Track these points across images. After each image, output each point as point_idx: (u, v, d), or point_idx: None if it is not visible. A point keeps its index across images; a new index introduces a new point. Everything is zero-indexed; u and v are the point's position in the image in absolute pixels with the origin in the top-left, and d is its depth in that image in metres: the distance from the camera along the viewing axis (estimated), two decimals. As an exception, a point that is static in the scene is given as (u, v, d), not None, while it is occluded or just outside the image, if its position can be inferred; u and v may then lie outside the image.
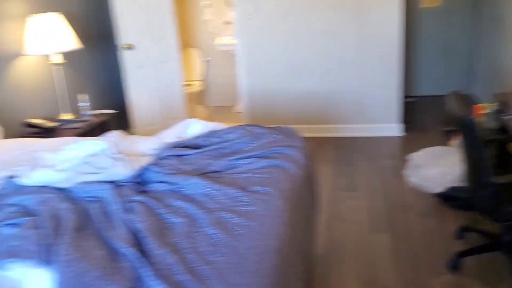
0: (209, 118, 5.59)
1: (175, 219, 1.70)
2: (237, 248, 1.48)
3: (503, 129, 2.72)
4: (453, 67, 5.63)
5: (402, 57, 4.35)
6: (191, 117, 5.24)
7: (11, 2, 3.39)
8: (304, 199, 2.14)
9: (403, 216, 3.02)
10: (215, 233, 1.57)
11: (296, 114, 4.62)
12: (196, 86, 5.58)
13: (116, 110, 4.04)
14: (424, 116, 5.02)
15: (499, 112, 2.99)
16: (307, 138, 4.47)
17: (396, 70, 4.31)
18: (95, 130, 3.58)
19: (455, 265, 2.48)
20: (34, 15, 3.38)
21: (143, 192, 2.00)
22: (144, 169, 2.13)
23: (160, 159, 2.24)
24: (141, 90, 4.45)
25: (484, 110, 3.65)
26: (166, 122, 4.68)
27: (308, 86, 4.52)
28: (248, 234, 1.55)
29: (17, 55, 3.42)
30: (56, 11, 3.69)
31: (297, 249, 1.78)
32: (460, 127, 2.22)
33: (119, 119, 4.79)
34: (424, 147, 4.03)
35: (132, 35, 4.28)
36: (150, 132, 4.51)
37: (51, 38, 3.34)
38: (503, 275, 2.42)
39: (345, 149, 4.25)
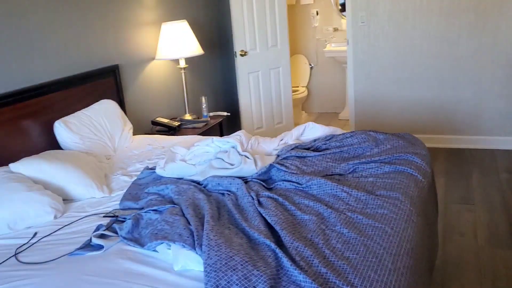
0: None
1: (306, 216, 1.78)
2: (371, 248, 1.52)
3: None
4: None
5: (526, 66, 4.09)
6: (295, 123, 5.38)
7: (148, 10, 3.73)
8: (429, 207, 2.12)
9: (527, 233, 2.85)
10: (348, 232, 1.63)
11: (406, 123, 4.53)
12: (302, 92, 5.68)
13: (229, 113, 4.26)
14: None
15: None
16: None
17: (518, 79, 4.07)
18: (212, 130, 3.81)
19: None
20: (166, 22, 3.69)
21: (270, 189, 2.11)
22: (270, 168, 2.25)
23: (282, 159, 2.34)
24: (251, 94, 4.64)
25: None
26: (274, 126, 4.84)
27: (420, 94, 4.41)
28: (381, 235, 1.58)
29: (150, 59, 3.76)
30: (183, 19, 4.00)
31: (425, 255, 1.78)
32: None
33: (231, 121, 5.04)
34: (549, 163, 3.76)
35: (246, 41, 4.48)
36: (259, 134, 4.69)
37: (179, 44, 3.62)
38: None
39: (458, 160, 4.09)
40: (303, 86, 5.92)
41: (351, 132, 2.58)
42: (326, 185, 2.00)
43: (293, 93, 5.44)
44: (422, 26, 4.25)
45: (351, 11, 4.47)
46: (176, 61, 4.01)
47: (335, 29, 5.71)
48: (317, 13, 5.72)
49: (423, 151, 2.37)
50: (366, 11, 4.41)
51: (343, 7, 5.52)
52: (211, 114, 4.06)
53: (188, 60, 4.09)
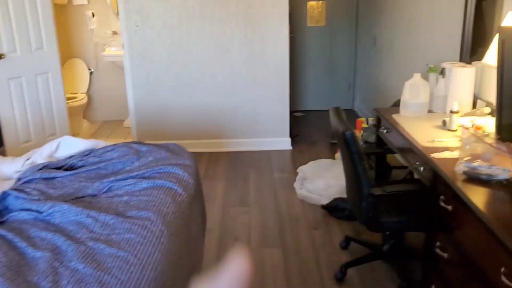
0: (95, 134, 5.27)
1: (38, 253, 1.50)
2: (107, 284, 1.33)
3: (381, 142, 2.87)
4: (337, 83, 5.93)
5: (289, 74, 4.45)
6: (75, 133, 4.91)
7: None
8: (192, 221, 2.03)
9: (293, 230, 3.04)
10: (84, 268, 1.40)
11: (188, 129, 4.51)
12: (81, 99, 5.22)
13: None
14: (311, 129, 5.19)
15: (376, 126, 3.15)
16: (199, 154, 4.46)
17: (284, 85, 4.40)
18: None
19: (341, 277, 2.53)
20: None
21: (1, 223, 1.75)
22: (4, 196, 1.87)
23: (24, 183, 1.99)
24: (13, 103, 4.03)
25: (364, 124, 3.86)
26: (46, 139, 4.30)
27: (199, 100, 4.44)
28: (122, 266, 1.40)
29: None
30: None
31: (182, 273, 1.67)
32: (340, 141, 2.27)
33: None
34: (311, 159, 4.16)
35: (3, 42, 3.87)
36: (27, 150, 4.10)
37: None
38: (384, 282, 2.52)
39: (238, 163, 4.23)
40: (82, 93, 5.45)
41: (113, 145, 2.36)
42: (70, 211, 1.73)
43: (70, 101, 4.96)
44: (196, 33, 4.27)
45: (124, 14, 4.24)
46: None
47: (114, 32, 5.40)
48: (93, 15, 5.33)
49: (187, 161, 2.29)
50: (140, 15, 4.24)
51: (120, 10, 5.24)
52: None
53: None
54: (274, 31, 4.27)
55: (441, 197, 1.92)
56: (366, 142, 3.38)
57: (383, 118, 2.76)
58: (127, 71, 4.39)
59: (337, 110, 2.45)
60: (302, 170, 3.52)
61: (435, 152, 2.10)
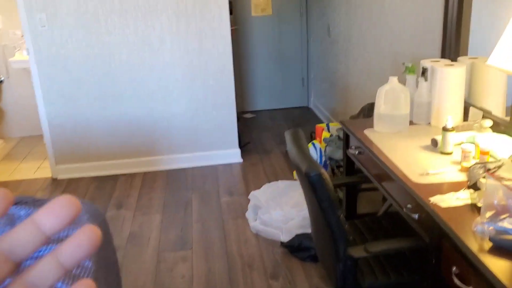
0: (10, 154, 4.41)
1: None
2: None
3: (350, 163, 2.27)
4: (290, 79, 5.31)
5: (233, 73, 3.78)
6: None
7: None
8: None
9: (246, 279, 2.40)
10: None
11: (116, 147, 3.76)
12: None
13: None
14: (264, 134, 4.56)
15: (341, 140, 2.55)
16: (132, 175, 3.74)
17: (228, 86, 3.73)
18: None
19: None
20: None
21: None
22: None
23: None
24: None
25: (325, 132, 3.25)
26: None
27: (128, 111, 3.69)
28: None
29: None
30: None
31: None
32: (303, 182, 1.64)
33: None
34: (266, 175, 3.53)
35: None
36: None
37: None
38: None
39: (178, 185, 3.53)
40: (-10, 107, 4.56)
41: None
42: None
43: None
44: (118, 31, 3.51)
45: (25, 12, 3.42)
46: None
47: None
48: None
49: (82, 220, 1.58)
50: (46, 12, 3.42)
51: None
52: None
53: None
54: (213, 24, 3.58)
55: (454, 269, 1.32)
56: (330, 158, 2.77)
57: (353, 135, 2.15)
58: (35, 82, 3.58)
59: (295, 135, 1.82)
60: (255, 196, 2.88)
61: (435, 192, 1.51)
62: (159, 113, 3.71)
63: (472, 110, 2.06)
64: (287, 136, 1.86)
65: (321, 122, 4.79)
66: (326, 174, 1.53)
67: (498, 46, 1.58)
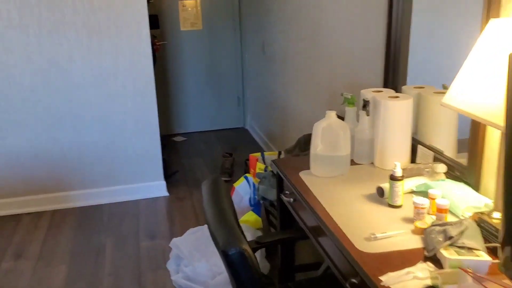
0: None
1: None
2: None
3: (284, 208, 1.93)
4: (224, 97, 4.95)
5: (155, 93, 3.37)
6: None
7: None
8: None
9: None
10: None
11: (19, 182, 3.22)
12: None
13: None
14: (195, 160, 4.16)
15: (274, 178, 2.21)
16: (38, 214, 3.20)
17: (150, 109, 3.30)
18: None
19: None
20: None
21: None
22: None
23: None
24: None
25: (260, 163, 2.92)
26: None
27: (31, 141, 3.17)
28: None
29: None
30: None
31: None
32: (222, 258, 1.27)
33: None
34: (194, 212, 3.13)
35: None
36: None
37: None
38: None
39: (91, 227, 3.05)
40: None
41: None
42: None
43: None
44: (18, 49, 3.00)
45: None
46: None
47: None
48: None
49: None
50: None
51: None
52: None
53: None
54: (131, 40, 3.15)
55: None
56: (263, 198, 2.42)
57: (286, 179, 1.81)
58: None
59: (213, 188, 1.44)
60: (177, 245, 2.46)
61: (385, 267, 1.19)
62: (69, 142, 3.22)
63: (420, 149, 1.78)
64: (204, 188, 1.48)
65: (257, 145, 4.46)
66: (249, 250, 1.17)
67: (455, 83, 1.29)
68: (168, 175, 3.67)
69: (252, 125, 4.84)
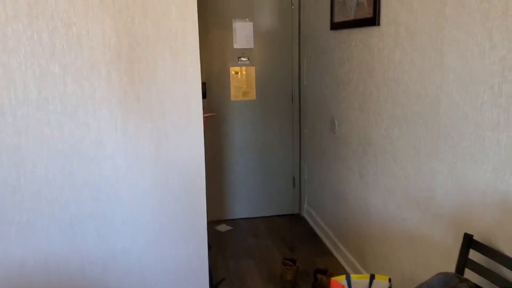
0: None
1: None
2: None
3: None
4: (277, 178, 4.19)
5: (204, 188, 2.62)
6: None
7: None
8: None
9: None
10: None
11: (22, 300, 2.46)
12: None
13: None
14: (244, 262, 3.34)
15: None
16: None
17: (198, 207, 2.55)
18: None
19: None
20: None
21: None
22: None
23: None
24: None
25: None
26: None
27: (41, 249, 2.43)
28: None
29: None
30: None
31: None
32: None
33: None
34: None
35: None
36: None
37: None
38: None
39: None
40: None
41: None
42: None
43: None
44: (33, 130, 2.33)
45: None
46: None
47: None
48: None
49: None
50: None
51: None
52: None
53: None
54: (180, 121, 2.45)
55: None
56: None
57: None
58: None
59: None
60: None
61: None
62: (91, 250, 2.47)
63: None
64: None
65: (320, 241, 3.62)
66: None
67: None
68: (214, 286, 2.86)
69: (310, 213, 4.02)
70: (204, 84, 3.86)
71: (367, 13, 2.69)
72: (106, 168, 2.40)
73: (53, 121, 2.33)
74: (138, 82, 2.36)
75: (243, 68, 3.93)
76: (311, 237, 3.73)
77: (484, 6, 1.75)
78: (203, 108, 3.64)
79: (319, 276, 2.83)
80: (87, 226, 2.44)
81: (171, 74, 2.38)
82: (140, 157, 2.43)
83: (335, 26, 3.19)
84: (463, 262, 1.84)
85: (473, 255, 1.85)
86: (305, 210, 4.17)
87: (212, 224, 4.01)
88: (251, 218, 4.15)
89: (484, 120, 1.78)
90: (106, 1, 2.27)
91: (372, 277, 2.31)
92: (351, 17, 2.92)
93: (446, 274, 1.73)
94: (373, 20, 2.60)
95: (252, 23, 3.89)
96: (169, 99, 2.41)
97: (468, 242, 1.83)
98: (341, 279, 2.29)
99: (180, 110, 2.44)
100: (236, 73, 3.94)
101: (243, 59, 3.91)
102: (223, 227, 3.98)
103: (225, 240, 3.73)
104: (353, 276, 2.31)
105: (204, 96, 3.87)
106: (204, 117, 3.53)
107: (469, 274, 1.89)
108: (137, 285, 2.55)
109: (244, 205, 4.15)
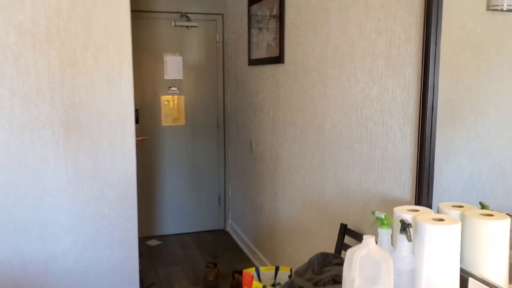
0: None
1: None
2: None
3: None
4: (203, 197, 4.62)
5: (136, 198, 3.01)
6: None
7: None
8: None
9: None
10: None
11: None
12: None
13: None
14: (172, 269, 3.72)
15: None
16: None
17: (130, 216, 2.93)
18: None
19: None
20: None
21: None
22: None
23: None
24: None
25: (256, 282, 2.54)
26: None
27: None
28: None
29: None
30: None
31: None
32: None
33: None
34: None
35: None
36: None
37: None
38: None
39: None
40: None
41: None
42: None
43: None
44: (-19, 144, 2.64)
45: None
46: None
47: None
48: None
49: None
50: None
51: None
52: None
53: None
54: (114, 140, 2.85)
55: None
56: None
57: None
58: None
59: None
60: None
61: None
62: (32, 253, 2.77)
63: (472, 282, 1.49)
64: None
65: (242, 252, 4.07)
66: None
67: None
68: (144, 289, 3.21)
69: (233, 228, 4.48)
70: (137, 111, 4.26)
71: (275, 52, 3.28)
72: (49, 181, 2.75)
73: (0, 139, 2.65)
74: (79, 105, 2.76)
75: (174, 96, 4.39)
76: (233, 248, 4.18)
77: (351, 50, 2.36)
78: (136, 132, 4.04)
79: (236, 275, 3.27)
80: (30, 231, 2.75)
81: (107, 99, 2.80)
82: (79, 171, 2.80)
83: (252, 62, 3.76)
84: (340, 245, 2.37)
85: (348, 240, 2.39)
86: (229, 225, 4.62)
87: (143, 239, 4.34)
88: (179, 233, 4.53)
89: (353, 135, 2.36)
90: (52, 35, 2.67)
91: (277, 269, 2.80)
92: (264, 55, 3.49)
93: (325, 253, 2.25)
94: (279, 59, 3.18)
95: (181, 57, 4.39)
96: (105, 120, 2.82)
97: (344, 230, 2.37)
98: (251, 271, 2.75)
99: (116, 130, 2.85)
100: (168, 101, 4.39)
101: (173, 88, 4.38)
102: (153, 242, 4.33)
103: (155, 252, 4.08)
104: (262, 268, 2.78)
105: (137, 121, 4.26)
106: (136, 140, 3.94)
107: (344, 255, 2.42)
108: (75, 285, 2.86)
109: (173, 222, 4.53)
